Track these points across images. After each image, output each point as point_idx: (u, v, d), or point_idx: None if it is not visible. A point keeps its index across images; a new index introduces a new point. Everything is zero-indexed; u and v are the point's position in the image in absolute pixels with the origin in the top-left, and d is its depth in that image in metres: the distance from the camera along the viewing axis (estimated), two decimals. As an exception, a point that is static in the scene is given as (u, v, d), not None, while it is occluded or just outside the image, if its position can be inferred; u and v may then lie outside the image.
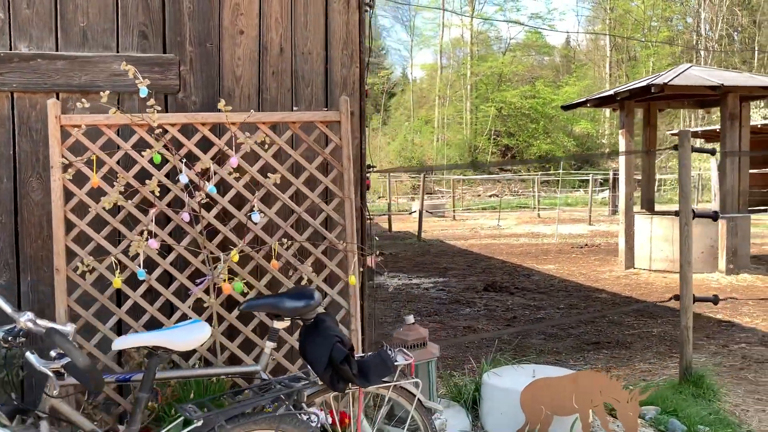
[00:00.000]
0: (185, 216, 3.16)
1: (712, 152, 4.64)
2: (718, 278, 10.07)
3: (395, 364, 2.61)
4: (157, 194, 3.19)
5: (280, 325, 2.43)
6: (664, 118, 53.25)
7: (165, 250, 3.27)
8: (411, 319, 3.47)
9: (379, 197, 41.46)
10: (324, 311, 2.79)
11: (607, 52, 59.83)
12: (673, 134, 22.18)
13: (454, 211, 25.46)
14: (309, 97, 3.71)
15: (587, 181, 33.93)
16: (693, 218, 4.60)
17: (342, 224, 3.42)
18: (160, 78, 3.43)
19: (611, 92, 10.78)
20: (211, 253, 3.20)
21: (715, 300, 4.70)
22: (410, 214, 17.45)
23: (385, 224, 21.82)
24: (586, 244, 15.23)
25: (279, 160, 3.45)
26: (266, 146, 3.35)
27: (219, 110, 3.22)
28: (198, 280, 3.19)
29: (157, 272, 3.23)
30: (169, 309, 3.33)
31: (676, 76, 10.10)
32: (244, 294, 3.21)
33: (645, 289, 9.50)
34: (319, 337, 2.41)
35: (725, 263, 10.20)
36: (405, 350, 2.69)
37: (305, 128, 3.52)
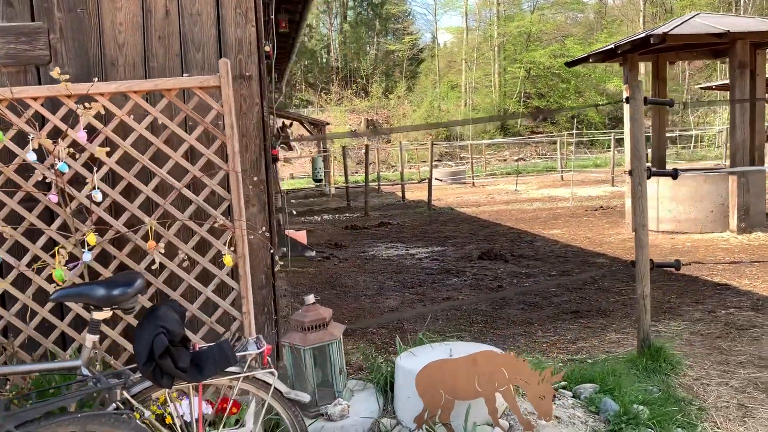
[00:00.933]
0: (52, 197, 2.94)
1: (670, 103, 4.20)
2: (728, 238, 9.54)
3: (246, 352, 2.36)
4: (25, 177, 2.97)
5: (99, 315, 2.20)
6: (702, 72, 51.24)
7: (37, 234, 3.06)
8: (311, 298, 3.21)
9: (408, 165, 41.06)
10: (169, 301, 2.55)
11: (641, 6, 57.61)
12: (703, 88, 21.18)
13: (473, 177, 24.94)
14: (201, 62, 3.42)
15: (622, 140, 32.87)
16: (649, 177, 4.20)
17: (228, 199, 3.15)
18: (28, 48, 3.18)
19: (611, 46, 10.17)
20: (83, 235, 2.97)
21: (676, 265, 4.31)
22: (419, 182, 17.03)
23: (401, 193, 21.51)
24: (601, 207, 14.68)
25: (157, 133, 3.19)
26: (160, 120, 3.08)
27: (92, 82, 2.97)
28: (71, 265, 2.98)
29: (27, 257, 3.03)
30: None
31: (679, 25, 9.47)
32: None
33: (656, 253, 9.03)
34: (144, 329, 2.17)
35: (736, 222, 9.64)
36: (261, 337, 2.43)
37: (187, 96, 3.24)
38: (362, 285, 7.85)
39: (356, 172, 41.49)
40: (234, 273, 3.16)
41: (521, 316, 6.11)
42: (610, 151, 40.25)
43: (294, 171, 39.23)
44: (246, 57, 3.46)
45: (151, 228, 3.01)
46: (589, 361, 4.47)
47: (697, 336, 5.01)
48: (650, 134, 11.82)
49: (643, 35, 9.34)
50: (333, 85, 54.77)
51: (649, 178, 4.19)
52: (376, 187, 24.35)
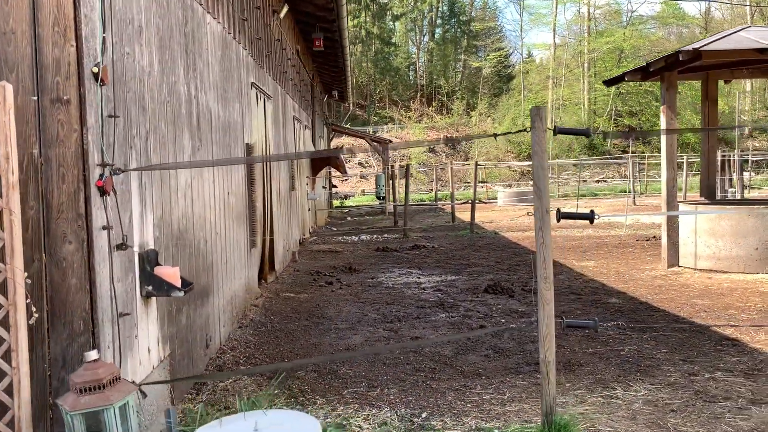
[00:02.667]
0: None
1: (585, 133, 3.48)
2: (774, 280, 8.39)
3: None
4: None
5: None
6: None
7: None
8: (92, 354, 2.81)
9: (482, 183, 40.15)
10: None
11: (748, 20, 54.06)
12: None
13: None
14: (15, 84, 3.13)
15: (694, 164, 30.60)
16: (559, 220, 3.53)
17: (1, 238, 2.82)
18: None
19: (644, 63, 9.26)
20: None
21: (593, 326, 3.60)
22: (480, 203, 16.18)
23: (463, 214, 20.86)
24: (654, 237, 13.49)
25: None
26: None
27: None
28: None
29: None
30: None
31: (716, 40, 8.48)
32: None
33: (675, 292, 8.06)
34: None
35: (785, 262, 8.48)
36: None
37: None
38: (342, 316, 7.39)
39: (430, 190, 40.99)
40: (4, 321, 2.81)
41: (478, 364, 5.46)
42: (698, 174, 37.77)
43: (367, 187, 39.25)
44: (64, 79, 3.14)
45: None
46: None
47: (651, 407, 4.22)
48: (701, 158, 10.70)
49: (674, 52, 8.41)
50: (414, 102, 54.62)
51: (558, 221, 3.51)
52: (435, 206, 23.78)
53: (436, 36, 63.99)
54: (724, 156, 20.09)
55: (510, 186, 34.12)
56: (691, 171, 29.91)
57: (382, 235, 15.94)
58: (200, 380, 4.88)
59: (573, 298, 8.04)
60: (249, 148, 7.34)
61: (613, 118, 54.08)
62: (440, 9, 63.60)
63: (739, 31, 9.01)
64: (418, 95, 57.73)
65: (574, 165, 41.08)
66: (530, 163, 25.21)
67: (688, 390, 4.54)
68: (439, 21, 64.15)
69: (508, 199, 24.78)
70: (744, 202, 10.51)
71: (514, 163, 41.18)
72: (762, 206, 8.68)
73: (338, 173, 25.45)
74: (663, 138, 9.36)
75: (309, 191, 15.15)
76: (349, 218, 21.94)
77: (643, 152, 51.44)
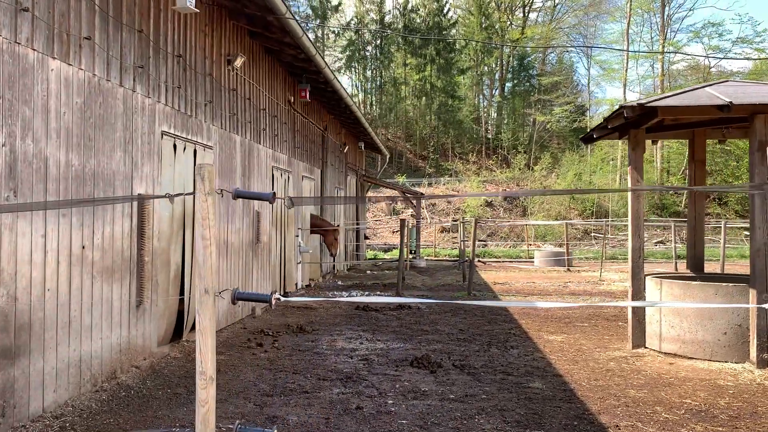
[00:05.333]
0: None
1: (267, 198, 2.77)
2: (742, 372, 7.17)
3: None
4: None
5: None
6: None
7: None
8: None
9: (521, 240, 38.67)
10: None
11: None
12: None
13: (567, 260, 22.51)
14: None
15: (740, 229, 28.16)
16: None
17: None
18: None
19: (604, 119, 8.38)
20: None
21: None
22: (512, 261, 15.21)
23: (485, 273, 19.87)
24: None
25: None
26: None
27: None
28: None
29: None
30: None
31: (678, 93, 7.58)
32: None
33: (618, 379, 7.02)
34: None
35: (755, 351, 7.26)
36: None
37: None
38: (229, 386, 6.78)
39: (485, 245, 39.82)
40: None
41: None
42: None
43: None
44: None
45: None
46: None
47: None
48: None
49: (619, 107, 7.55)
50: (472, 155, 53.98)
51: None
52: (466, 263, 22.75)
53: (505, 90, 63.46)
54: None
55: (560, 245, 32.46)
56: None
57: (375, 292, 15.23)
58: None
59: (498, 378, 7.14)
60: (140, 198, 7.00)
61: (686, 177, 51.42)
62: (511, 63, 63.22)
63: (712, 84, 8.03)
64: (484, 148, 57.05)
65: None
66: (594, 221, 23.55)
67: None
68: (509, 75, 63.70)
69: (543, 259, 23.53)
70: (725, 277, 9.27)
71: (577, 221, 39.49)
72: (731, 284, 7.51)
73: (371, 227, 25.05)
74: (629, 203, 8.39)
75: (302, 244, 14.73)
76: (368, 272, 21.35)
77: (719, 214, 48.50)
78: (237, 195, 2.82)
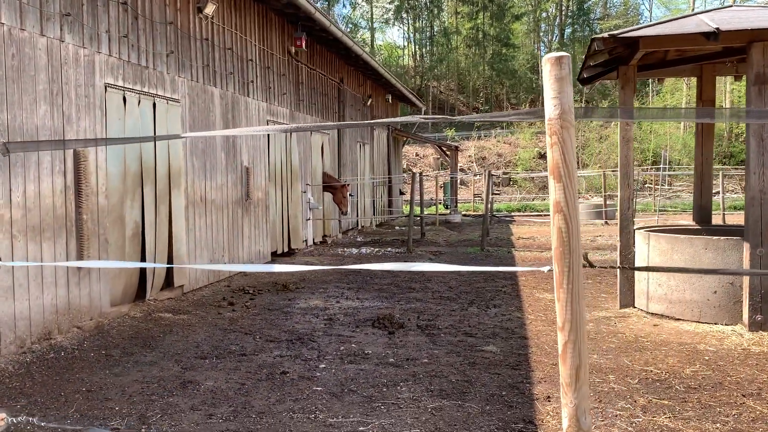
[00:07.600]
0: None
1: None
2: (730, 335, 6.39)
3: None
4: None
5: None
6: None
7: None
8: None
9: (585, 194, 37.13)
10: None
11: None
12: None
13: (605, 212, 21.39)
14: None
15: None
16: None
17: None
18: None
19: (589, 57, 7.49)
20: None
21: None
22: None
23: (518, 228, 19.11)
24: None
25: None
26: None
27: None
28: None
29: None
30: None
31: (664, 22, 6.66)
32: None
33: (592, 346, 6.37)
34: None
35: (748, 312, 6.45)
36: None
37: None
38: (176, 348, 6.53)
39: (534, 198, 38.65)
40: None
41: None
42: None
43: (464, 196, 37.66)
44: None
45: None
46: None
47: None
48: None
49: (591, 38, 6.69)
50: (527, 105, 52.10)
51: None
52: (499, 218, 21.99)
53: (564, 36, 60.73)
54: None
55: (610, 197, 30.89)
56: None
57: (386, 249, 14.77)
58: None
59: (456, 341, 6.63)
60: (77, 155, 6.71)
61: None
62: (570, 8, 60.28)
63: (708, 11, 7.03)
64: (540, 98, 54.96)
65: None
66: (658, 168, 22.28)
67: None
68: (569, 21, 60.84)
69: (584, 212, 22.43)
70: (722, 229, 8.35)
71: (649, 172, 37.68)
72: (723, 237, 6.66)
73: (409, 181, 24.53)
74: (619, 145, 7.56)
75: (311, 200, 14.36)
76: (397, 228, 20.89)
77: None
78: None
